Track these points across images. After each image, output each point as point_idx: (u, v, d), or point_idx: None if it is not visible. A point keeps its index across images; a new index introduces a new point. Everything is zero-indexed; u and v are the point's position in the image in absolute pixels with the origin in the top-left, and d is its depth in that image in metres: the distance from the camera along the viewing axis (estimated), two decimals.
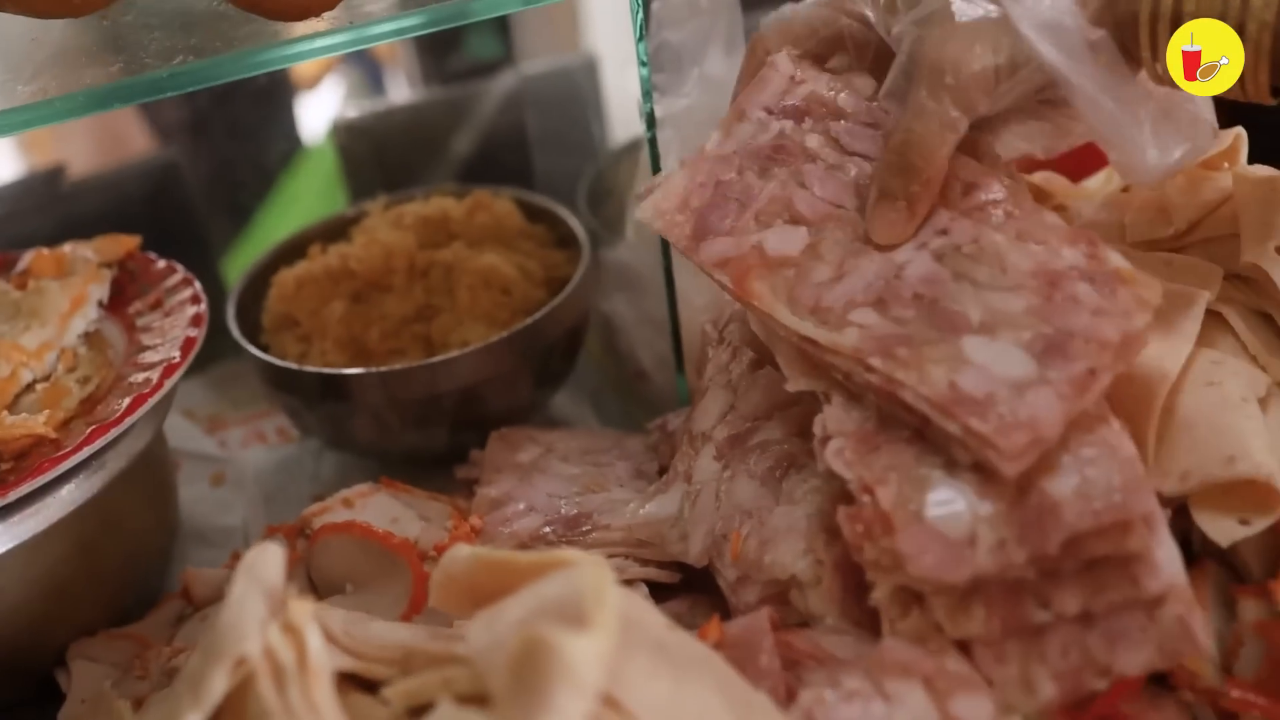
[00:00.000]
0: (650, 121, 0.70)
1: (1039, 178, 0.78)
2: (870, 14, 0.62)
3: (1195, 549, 0.60)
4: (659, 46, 0.79)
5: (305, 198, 1.26)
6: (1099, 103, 0.56)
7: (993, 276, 0.56)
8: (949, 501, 0.51)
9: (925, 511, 0.51)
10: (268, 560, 0.50)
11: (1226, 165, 0.70)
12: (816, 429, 0.56)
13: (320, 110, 1.35)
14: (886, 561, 0.51)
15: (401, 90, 1.42)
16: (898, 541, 0.50)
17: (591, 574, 0.44)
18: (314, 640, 0.46)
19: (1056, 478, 0.51)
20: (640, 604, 0.50)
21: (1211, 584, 0.58)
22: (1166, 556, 0.51)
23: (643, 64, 0.69)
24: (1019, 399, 0.51)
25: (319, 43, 0.62)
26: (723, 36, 0.78)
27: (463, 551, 0.50)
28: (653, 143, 0.71)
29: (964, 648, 0.52)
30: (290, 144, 1.30)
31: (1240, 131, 0.71)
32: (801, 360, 0.58)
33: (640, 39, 0.68)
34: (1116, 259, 0.57)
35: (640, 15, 0.67)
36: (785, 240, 0.60)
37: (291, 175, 1.28)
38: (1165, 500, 0.57)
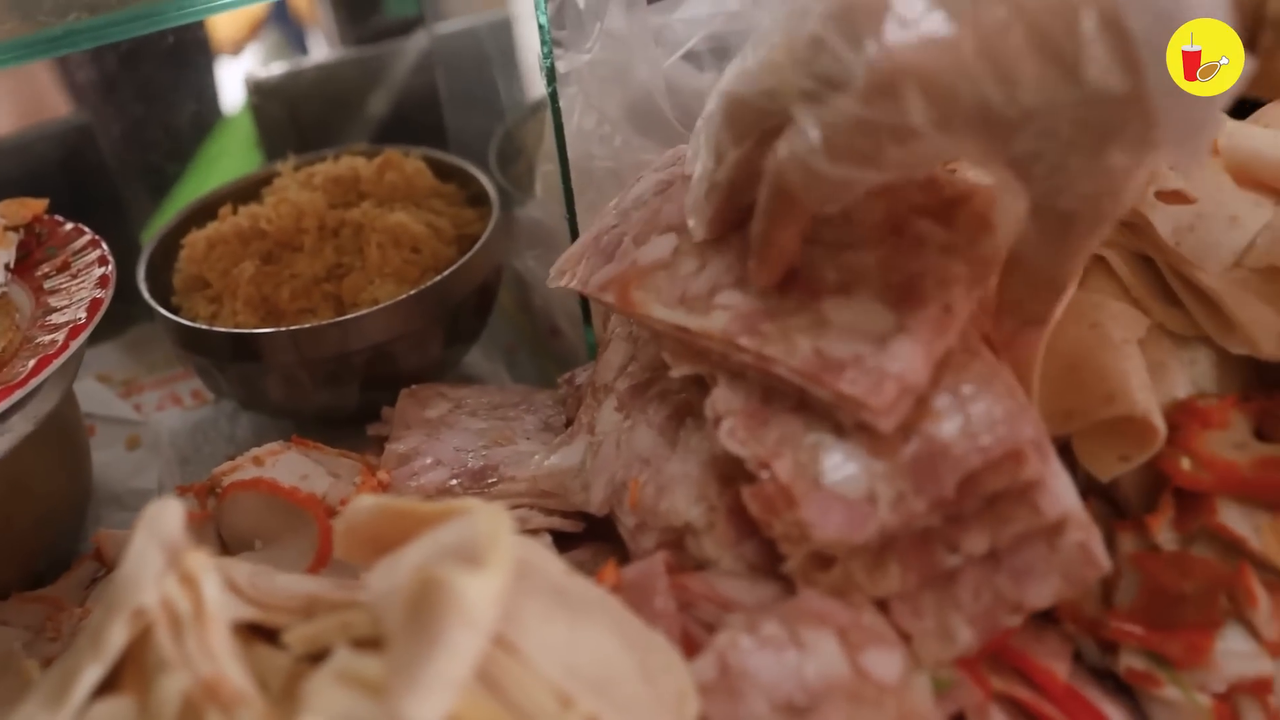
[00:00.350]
0: (551, 77, 0.71)
1: None
2: None
3: (1080, 487, 0.62)
4: (561, 5, 0.79)
5: (225, 162, 1.25)
6: None
7: (842, 234, 0.58)
8: (843, 465, 0.53)
9: (822, 478, 0.53)
10: (166, 515, 0.50)
11: None
12: (708, 411, 0.57)
13: (240, 73, 1.34)
14: (795, 533, 0.53)
15: (321, 50, 1.41)
16: (801, 512, 0.52)
17: (487, 518, 0.45)
18: (210, 589, 0.47)
19: (940, 422, 0.53)
20: (539, 550, 0.52)
21: (1093, 518, 0.61)
22: (1061, 483, 0.53)
23: (542, 16, 0.69)
24: (882, 353, 0.53)
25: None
26: None
27: (365, 501, 0.51)
28: (553, 97, 0.71)
29: (882, 606, 0.53)
30: (209, 108, 1.29)
31: None
32: (681, 348, 0.59)
33: None
34: (953, 180, 0.58)
35: None
36: (657, 249, 0.61)
37: (212, 140, 1.27)
38: (1052, 439, 0.60)
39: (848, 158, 0.49)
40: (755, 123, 0.53)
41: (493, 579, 0.43)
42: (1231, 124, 0.66)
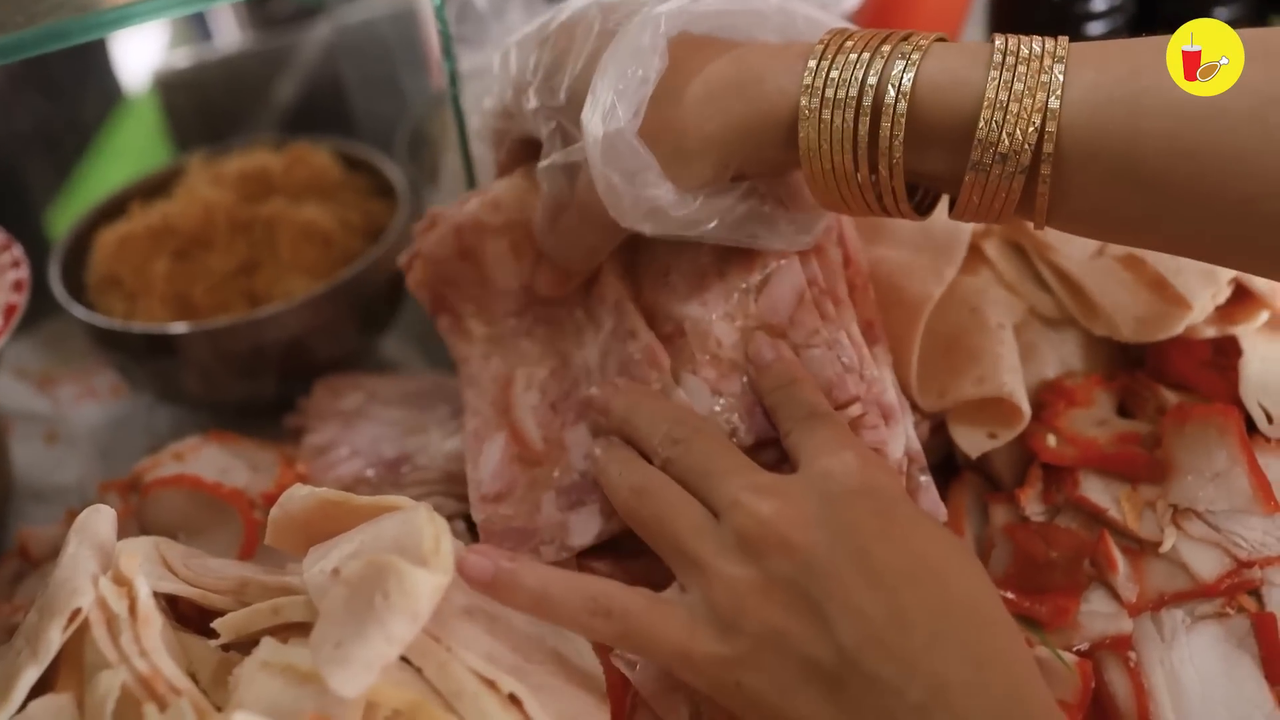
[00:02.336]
0: (453, 79, 0.73)
1: None
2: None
3: (959, 462, 0.67)
4: (462, 3, 0.82)
5: (129, 149, 1.25)
6: None
7: None
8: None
9: None
10: (99, 519, 0.53)
11: None
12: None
13: (141, 57, 1.33)
14: None
15: (227, 34, 1.41)
16: None
17: (428, 518, 0.48)
18: (144, 589, 0.49)
19: None
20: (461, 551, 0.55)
21: (969, 492, 0.65)
22: (895, 447, 0.57)
23: (441, 23, 0.71)
24: None
25: (124, 15, 0.64)
26: None
27: (301, 490, 0.54)
28: (455, 100, 0.74)
29: None
30: (111, 92, 1.28)
31: None
32: None
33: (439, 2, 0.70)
34: None
35: None
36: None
37: (115, 126, 1.27)
38: (926, 415, 0.64)
39: None
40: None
41: (440, 577, 0.45)
42: None
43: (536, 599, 0.49)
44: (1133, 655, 0.58)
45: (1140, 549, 0.61)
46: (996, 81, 0.48)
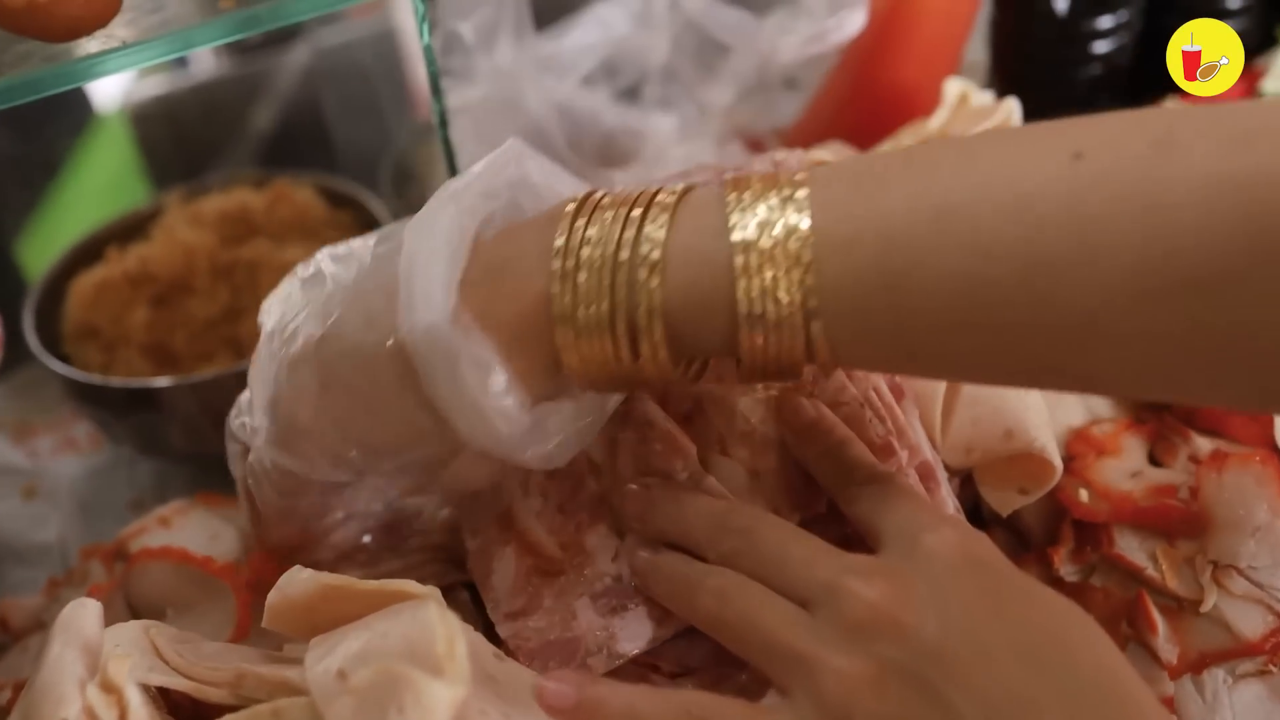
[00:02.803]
0: (442, 120, 0.70)
1: (827, 151, 0.80)
2: None
3: (985, 517, 0.64)
4: (448, 36, 0.79)
5: (100, 176, 1.22)
6: None
7: None
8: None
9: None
10: (84, 615, 0.50)
11: None
12: None
13: (112, 82, 1.30)
14: None
15: (201, 59, 1.38)
16: None
17: (439, 617, 0.45)
18: (134, 698, 0.47)
19: None
20: (472, 637, 0.52)
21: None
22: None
23: (431, 64, 0.69)
24: None
25: (96, 64, 0.61)
26: (511, 23, 0.79)
27: (301, 574, 0.51)
28: (445, 141, 0.71)
29: None
30: (80, 117, 1.25)
31: (1013, 104, 0.74)
32: None
33: (426, 36, 0.67)
34: None
35: (424, 11, 0.67)
36: None
37: (84, 151, 1.23)
38: (954, 472, 0.62)
39: None
40: None
41: (458, 689, 0.43)
42: None
43: None
44: None
45: (1179, 608, 0.58)
46: (744, 259, 0.45)
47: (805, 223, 0.45)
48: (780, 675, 0.46)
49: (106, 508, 0.86)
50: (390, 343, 0.49)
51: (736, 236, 0.46)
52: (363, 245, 0.55)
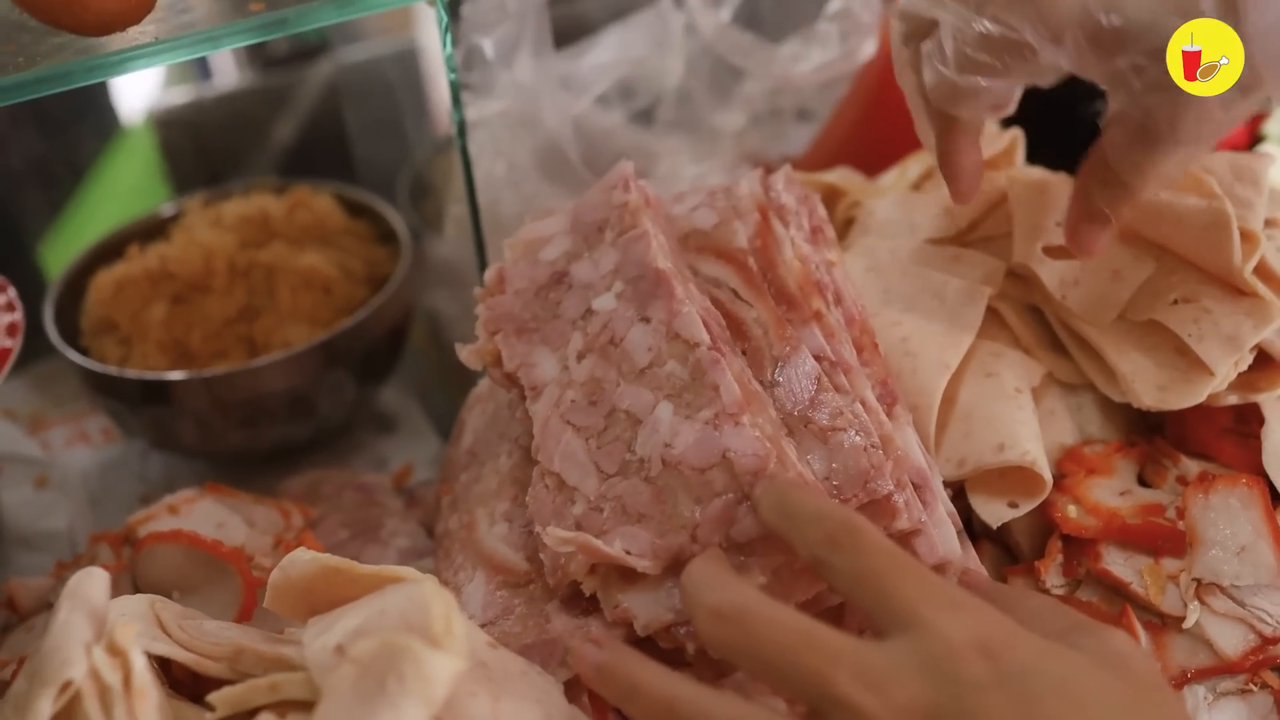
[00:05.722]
0: (461, 130, 0.72)
1: (836, 176, 0.82)
2: None
3: (975, 530, 0.65)
4: (469, 50, 0.81)
5: (124, 185, 1.24)
6: None
7: None
8: None
9: None
10: (92, 583, 0.51)
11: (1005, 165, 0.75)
12: None
13: (138, 91, 1.32)
14: None
15: (226, 71, 1.40)
16: None
17: (436, 593, 0.46)
18: (139, 661, 0.48)
19: (806, 469, 0.55)
20: (467, 622, 0.53)
21: (987, 563, 0.64)
22: (943, 531, 0.56)
23: (451, 72, 0.71)
24: None
25: (128, 58, 0.63)
26: (531, 41, 0.81)
27: (304, 555, 0.52)
28: (463, 151, 0.73)
29: None
30: (107, 126, 1.28)
31: (1017, 133, 0.76)
32: None
33: (448, 48, 0.69)
34: None
35: (446, 23, 0.69)
36: None
37: (110, 160, 1.26)
38: (946, 484, 0.63)
39: (973, 69, 0.56)
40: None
41: (457, 661, 0.44)
42: None
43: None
44: None
45: (1163, 624, 0.59)
46: None
47: None
48: None
49: (116, 500, 0.88)
50: None
51: None
52: None
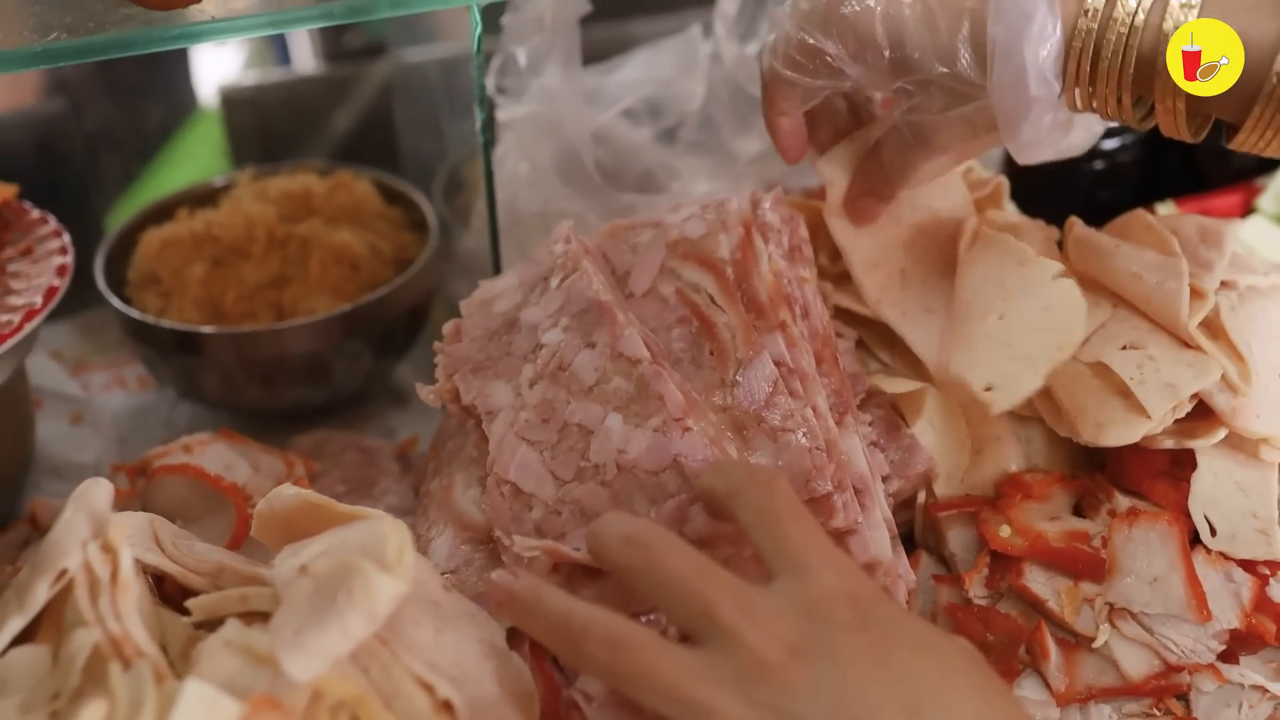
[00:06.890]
0: (485, 128, 0.78)
1: None
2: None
3: (915, 541, 0.70)
4: (506, 58, 0.87)
5: (192, 160, 1.31)
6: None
7: None
8: None
9: None
10: (96, 490, 0.57)
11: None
12: None
13: (216, 72, 1.39)
14: None
15: (304, 58, 1.47)
16: None
17: (394, 526, 0.52)
18: (126, 559, 0.53)
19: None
20: (425, 566, 0.59)
21: (920, 571, 0.68)
22: (876, 535, 0.60)
23: (480, 77, 0.76)
24: None
25: (184, 31, 0.69)
26: (561, 53, 0.86)
27: (288, 490, 0.58)
28: (487, 148, 0.78)
29: None
30: (183, 103, 1.34)
31: (1001, 179, 0.80)
32: None
33: (478, 53, 0.75)
34: None
35: (479, 30, 0.74)
36: None
37: (182, 136, 1.32)
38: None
39: (793, 67, 0.67)
40: None
41: (400, 584, 0.49)
42: (1081, 229, 0.74)
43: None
44: None
45: (1075, 642, 0.63)
46: None
47: None
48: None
49: (142, 441, 0.93)
50: None
51: None
52: None
